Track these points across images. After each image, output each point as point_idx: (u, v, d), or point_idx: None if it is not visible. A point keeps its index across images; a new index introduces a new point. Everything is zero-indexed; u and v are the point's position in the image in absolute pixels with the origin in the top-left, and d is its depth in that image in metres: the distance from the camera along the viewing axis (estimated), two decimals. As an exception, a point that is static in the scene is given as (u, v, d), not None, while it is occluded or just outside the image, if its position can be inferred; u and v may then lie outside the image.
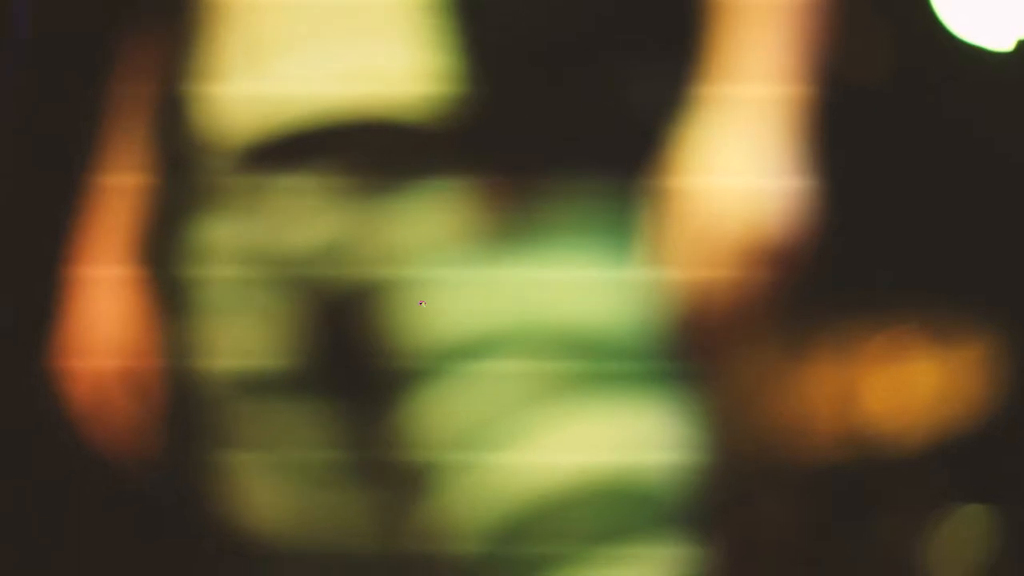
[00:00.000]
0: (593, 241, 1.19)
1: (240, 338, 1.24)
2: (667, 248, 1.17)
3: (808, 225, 1.17)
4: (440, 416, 1.17)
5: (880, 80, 3.16)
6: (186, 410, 1.28)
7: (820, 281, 1.25)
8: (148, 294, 1.31)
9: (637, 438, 1.17)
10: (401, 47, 1.19)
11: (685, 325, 1.18)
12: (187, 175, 1.25)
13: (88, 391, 1.34)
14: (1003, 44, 3.27)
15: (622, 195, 1.19)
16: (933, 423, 3.59)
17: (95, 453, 1.36)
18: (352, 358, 1.22)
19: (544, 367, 1.16)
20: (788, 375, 3.55)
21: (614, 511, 1.15)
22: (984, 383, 3.61)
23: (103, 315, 1.34)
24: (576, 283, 1.18)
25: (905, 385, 3.61)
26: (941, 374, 3.61)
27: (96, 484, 2.14)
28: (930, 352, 3.62)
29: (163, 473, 1.36)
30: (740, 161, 1.17)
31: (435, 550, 1.20)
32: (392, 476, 1.22)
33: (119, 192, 1.35)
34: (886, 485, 3.54)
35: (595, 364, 1.16)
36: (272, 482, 1.25)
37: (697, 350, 1.20)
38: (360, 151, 1.20)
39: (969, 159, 3.37)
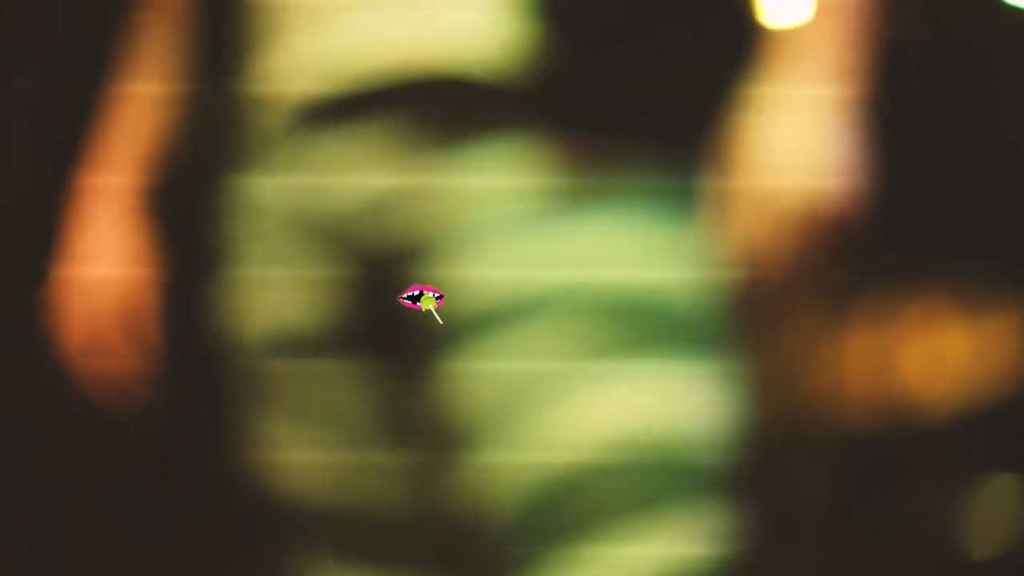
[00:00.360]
0: (651, 209, 1.18)
1: (283, 297, 1.23)
2: (725, 221, 1.18)
3: (859, 195, 1.18)
4: (481, 378, 1.17)
5: (921, 44, 3.12)
6: (224, 371, 1.28)
7: (859, 249, 1.24)
8: (152, 231, 1.31)
9: (679, 404, 1.16)
10: (471, 4, 1.18)
11: (738, 297, 1.18)
12: (239, 130, 1.24)
13: (83, 331, 1.33)
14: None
15: (685, 166, 1.19)
16: (967, 392, 3.58)
17: (89, 401, 1.35)
18: (396, 318, 1.21)
19: (589, 330, 1.15)
20: (824, 343, 3.55)
21: (653, 477, 1.15)
22: (1018, 353, 3.59)
23: (103, 247, 1.33)
24: (630, 247, 1.17)
25: (939, 354, 3.60)
26: (975, 343, 3.60)
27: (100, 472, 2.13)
28: (964, 321, 3.61)
29: (195, 435, 1.35)
30: (797, 138, 1.17)
31: (472, 513, 1.19)
32: (432, 438, 1.21)
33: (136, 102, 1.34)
34: (919, 453, 3.54)
35: (641, 329, 1.15)
36: (309, 445, 1.24)
37: (748, 322, 1.20)
38: (419, 108, 1.18)
39: (1007, 125, 3.34)
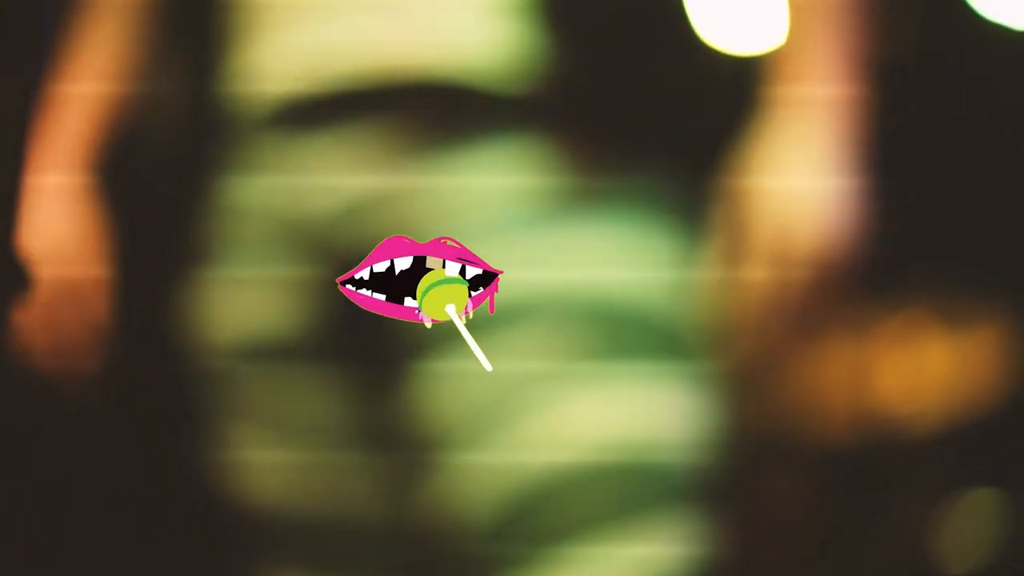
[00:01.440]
0: (642, 217, 1.19)
1: (259, 300, 1.23)
2: (729, 227, 1.19)
3: (853, 215, 1.19)
4: (461, 383, 1.17)
5: (905, 62, 3.13)
6: (195, 378, 1.27)
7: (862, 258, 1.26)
8: (99, 205, 1.30)
9: (658, 412, 1.18)
10: (464, 8, 1.18)
11: (744, 301, 1.19)
12: (219, 133, 1.24)
13: (34, 303, 1.32)
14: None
15: (679, 181, 1.20)
16: (946, 407, 3.58)
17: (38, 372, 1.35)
18: (369, 326, 1.21)
19: (569, 336, 1.15)
20: (802, 356, 3.54)
21: (631, 483, 1.16)
22: (998, 367, 3.58)
23: (51, 223, 1.32)
24: (616, 255, 1.19)
25: (919, 368, 3.59)
26: (955, 358, 3.60)
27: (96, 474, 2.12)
28: (944, 336, 3.60)
29: (166, 441, 1.34)
30: (795, 158, 1.18)
31: (445, 523, 1.19)
32: (409, 443, 1.22)
33: (75, 101, 1.33)
34: (898, 468, 3.53)
35: (622, 336, 1.16)
36: (280, 454, 1.23)
37: (736, 328, 1.20)
38: (404, 112, 1.19)
39: (991, 141, 3.35)
